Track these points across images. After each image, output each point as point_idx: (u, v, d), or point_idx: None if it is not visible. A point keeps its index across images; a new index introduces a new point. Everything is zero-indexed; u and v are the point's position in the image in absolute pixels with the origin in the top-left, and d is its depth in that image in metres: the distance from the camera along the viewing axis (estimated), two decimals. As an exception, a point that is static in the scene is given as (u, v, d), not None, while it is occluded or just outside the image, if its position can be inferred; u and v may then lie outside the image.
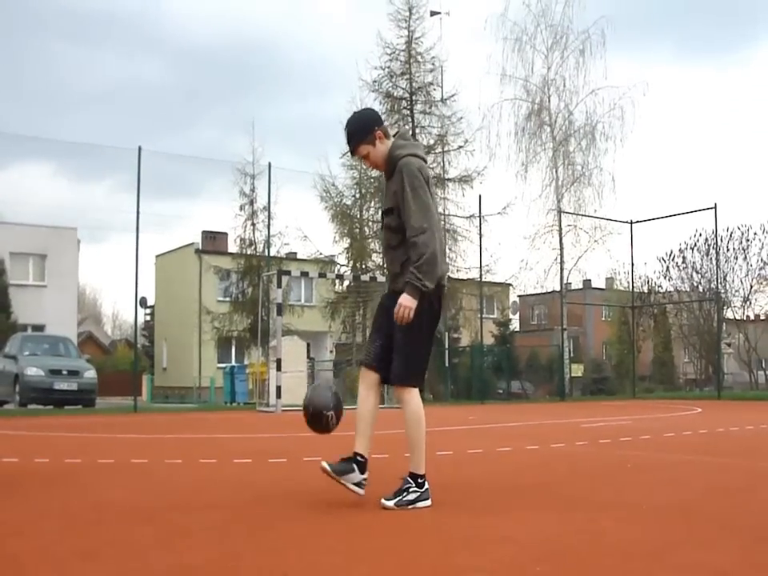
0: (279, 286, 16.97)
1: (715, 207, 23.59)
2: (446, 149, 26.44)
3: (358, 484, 3.83)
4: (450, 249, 25.26)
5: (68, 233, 31.57)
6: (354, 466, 3.83)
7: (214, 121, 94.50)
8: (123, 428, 10.81)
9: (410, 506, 3.71)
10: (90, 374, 17.83)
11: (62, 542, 3.07)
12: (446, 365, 23.55)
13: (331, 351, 35.14)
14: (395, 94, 26.33)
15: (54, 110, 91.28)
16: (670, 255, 32.27)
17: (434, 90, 26.51)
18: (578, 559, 2.78)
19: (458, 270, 26.04)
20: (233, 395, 22.66)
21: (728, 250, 30.65)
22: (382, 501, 3.73)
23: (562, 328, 25.82)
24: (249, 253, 26.04)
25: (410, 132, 24.80)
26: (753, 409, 16.60)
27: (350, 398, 13.22)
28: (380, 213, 4.21)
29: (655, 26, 76.80)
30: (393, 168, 3.91)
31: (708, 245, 30.11)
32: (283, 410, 15.43)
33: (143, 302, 31.93)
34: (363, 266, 25.07)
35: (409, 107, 26.44)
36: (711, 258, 29.60)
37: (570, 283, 30.26)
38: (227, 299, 27.96)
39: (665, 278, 32.89)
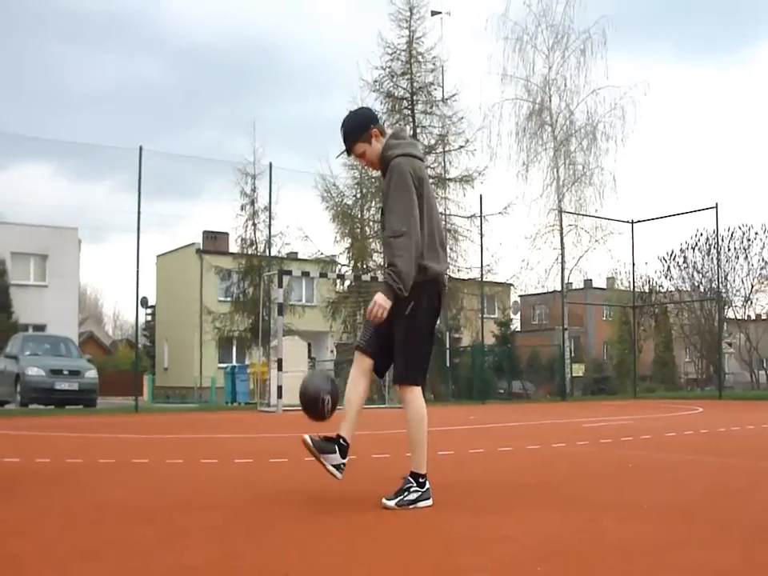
0: (280, 285, 16.98)
1: (716, 207, 23.59)
2: (446, 149, 26.42)
3: (337, 467, 3.79)
4: (451, 248, 25.24)
5: (69, 233, 31.60)
6: (336, 447, 3.79)
7: (215, 121, 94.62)
8: (124, 428, 10.81)
9: (411, 506, 3.70)
10: (91, 374, 17.85)
11: (63, 542, 3.07)
12: (447, 365, 23.55)
13: (332, 351, 35.13)
14: (396, 94, 26.32)
15: (54, 110, 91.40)
16: (671, 255, 32.30)
17: (435, 89, 26.53)
18: (579, 559, 2.78)
19: (458, 270, 26.04)
20: (234, 395, 22.68)
21: (729, 249, 30.68)
22: (383, 500, 3.73)
23: (563, 328, 25.81)
24: (250, 253, 26.02)
25: (411, 132, 24.81)
26: (754, 408, 16.59)
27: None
28: (380, 212, 4.18)
29: (656, 25, 76.78)
30: (386, 168, 3.91)
31: (709, 244, 30.12)
32: (284, 410, 15.44)
33: (144, 302, 31.87)
34: (364, 266, 25.06)
35: (410, 107, 26.43)
36: (712, 258, 29.58)
37: (571, 283, 30.30)
38: (228, 299, 27.95)
39: (666, 277, 32.94)
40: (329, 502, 3.95)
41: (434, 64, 26.44)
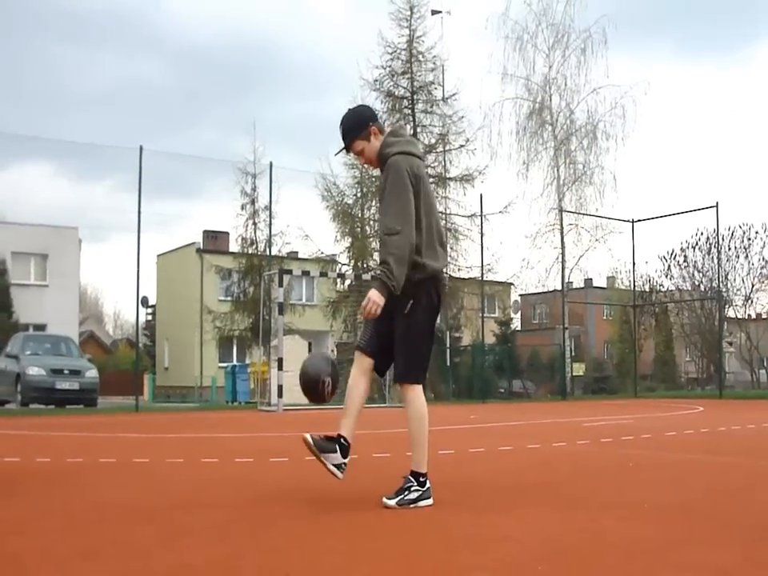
0: (280, 285, 16.98)
1: (717, 206, 23.57)
2: (447, 148, 26.42)
3: (338, 467, 3.78)
4: (451, 248, 25.24)
5: (69, 232, 31.60)
6: (337, 447, 3.79)
7: (215, 121, 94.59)
8: (125, 427, 10.82)
9: (411, 505, 3.70)
10: (92, 373, 17.86)
11: (63, 541, 3.07)
12: (448, 364, 23.56)
13: (332, 350, 35.13)
14: (396, 93, 26.32)
15: (54, 110, 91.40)
16: (672, 254, 32.33)
17: (436, 89, 26.53)
18: (580, 558, 2.78)
19: (459, 269, 26.05)
20: (234, 394, 22.70)
21: (729, 248, 30.72)
22: (384, 500, 3.73)
23: (564, 327, 25.81)
24: (250, 252, 26.02)
25: (411, 131, 24.80)
26: (754, 408, 16.58)
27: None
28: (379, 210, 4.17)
29: (657, 24, 76.74)
30: (383, 166, 3.91)
31: (709, 243, 30.14)
32: (285, 409, 15.44)
33: (144, 302, 31.82)
34: (364, 265, 25.04)
35: (410, 106, 26.42)
36: (713, 257, 29.58)
37: (572, 282, 30.29)
38: (228, 298, 27.95)
39: (666, 276, 32.98)
40: (329, 502, 3.95)
41: (434, 63, 26.47)
